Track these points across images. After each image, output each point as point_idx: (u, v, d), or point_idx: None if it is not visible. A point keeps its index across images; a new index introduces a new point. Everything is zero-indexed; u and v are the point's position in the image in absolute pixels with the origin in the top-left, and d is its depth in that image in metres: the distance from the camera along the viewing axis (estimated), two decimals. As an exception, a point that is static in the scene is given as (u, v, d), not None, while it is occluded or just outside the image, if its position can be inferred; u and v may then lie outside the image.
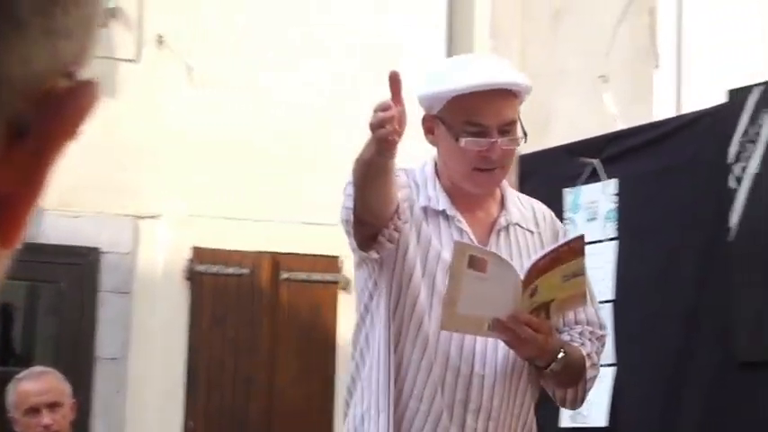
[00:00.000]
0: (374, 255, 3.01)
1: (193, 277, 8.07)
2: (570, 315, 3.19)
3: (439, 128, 3.10)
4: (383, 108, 2.77)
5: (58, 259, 7.73)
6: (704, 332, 4.51)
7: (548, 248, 3.07)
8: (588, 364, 3.15)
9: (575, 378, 3.14)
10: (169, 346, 7.95)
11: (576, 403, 3.24)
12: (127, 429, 7.89)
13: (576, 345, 3.15)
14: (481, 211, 3.19)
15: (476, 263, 2.93)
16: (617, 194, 4.91)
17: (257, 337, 8.09)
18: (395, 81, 2.80)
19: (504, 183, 3.25)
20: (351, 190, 2.96)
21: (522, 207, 3.24)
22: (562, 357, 3.05)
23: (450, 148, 3.09)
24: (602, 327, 3.25)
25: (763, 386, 4.28)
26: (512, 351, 3.06)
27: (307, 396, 8.15)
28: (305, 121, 8.24)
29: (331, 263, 8.26)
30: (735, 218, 4.39)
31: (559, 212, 4.61)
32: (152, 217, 8.04)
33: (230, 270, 8.14)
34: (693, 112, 4.94)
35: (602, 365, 3.34)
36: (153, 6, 8.14)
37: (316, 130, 8.23)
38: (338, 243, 7.92)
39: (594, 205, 4.97)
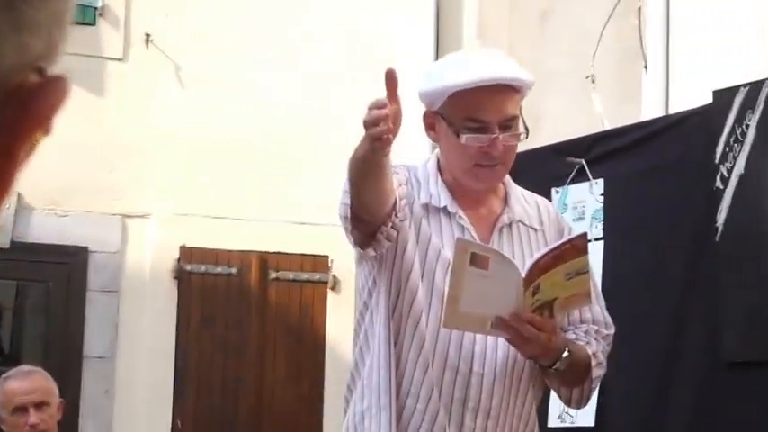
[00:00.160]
0: (371, 252, 3.00)
1: (182, 277, 8.07)
2: (576, 314, 3.17)
3: (440, 124, 3.07)
4: (378, 106, 2.73)
5: (47, 258, 7.72)
6: (692, 332, 4.51)
7: (550, 246, 3.04)
8: (594, 363, 3.12)
9: (580, 377, 3.11)
10: (157, 345, 7.95)
11: (582, 402, 3.21)
12: (115, 428, 7.88)
13: (581, 344, 3.12)
14: (484, 207, 3.16)
15: (477, 260, 2.90)
16: (603, 194, 4.91)
17: (246, 336, 8.09)
18: (391, 79, 2.76)
19: (508, 179, 3.21)
20: (347, 186, 2.94)
21: (526, 204, 3.21)
22: (566, 356, 3.02)
23: (451, 145, 3.07)
24: (608, 326, 3.22)
25: (752, 386, 4.29)
26: (512, 350, 3.03)
27: (296, 396, 8.15)
28: (293, 121, 8.24)
29: (320, 262, 8.27)
30: (721, 218, 4.40)
31: (547, 212, 4.61)
32: (140, 216, 8.04)
33: (219, 269, 8.14)
34: (680, 113, 4.95)
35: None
36: (141, 5, 8.14)
37: (303, 131, 8.24)
38: (327, 242, 7.99)
39: (582, 205, 4.97)
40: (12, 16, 0.61)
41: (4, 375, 4.73)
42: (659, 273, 4.68)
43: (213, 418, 8.01)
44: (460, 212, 3.11)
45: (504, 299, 2.94)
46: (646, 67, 6.29)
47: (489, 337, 3.04)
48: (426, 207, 3.10)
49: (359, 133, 2.80)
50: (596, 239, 4.90)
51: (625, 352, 4.78)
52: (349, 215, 2.93)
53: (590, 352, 3.12)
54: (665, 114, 5.69)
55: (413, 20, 8.49)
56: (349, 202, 2.92)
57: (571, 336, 3.15)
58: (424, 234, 3.07)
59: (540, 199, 3.32)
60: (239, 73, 8.19)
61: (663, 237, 4.68)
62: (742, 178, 4.35)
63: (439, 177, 3.14)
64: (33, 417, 4.56)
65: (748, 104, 4.35)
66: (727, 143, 4.40)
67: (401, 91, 2.80)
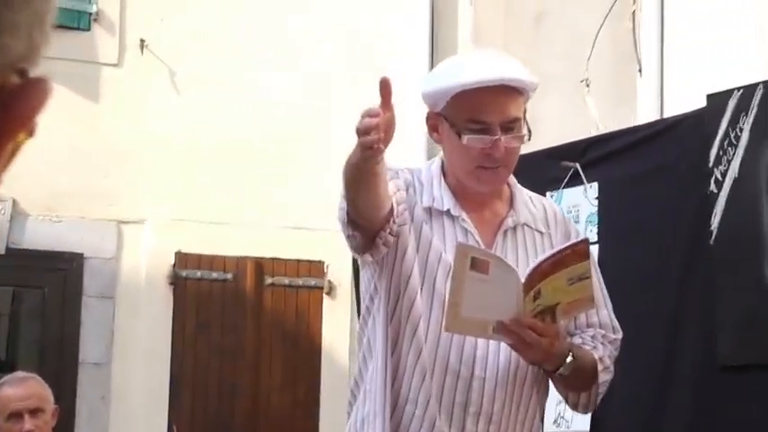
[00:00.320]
0: (369, 258, 2.99)
1: (177, 282, 8.07)
2: (582, 318, 3.14)
3: (443, 125, 3.05)
4: (370, 114, 2.72)
5: (42, 264, 7.72)
6: (689, 335, 4.51)
7: (550, 252, 3.02)
8: (600, 368, 3.10)
9: (587, 382, 3.09)
10: (153, 351, 7.95)
11: (590, 407, 3.19)
12: (111, 435, 7.88)
13: (587, 348, 3.10)
14: (488, 210, 3.13)
15: (478, 265, 2.88)
16: (598, 198, 4.91)
17: (241, 342, 8.09)
18: (385, 86, 2.74)
19: (514, 181, 3.18)
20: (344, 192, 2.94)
21: (532, 207, 3.18)
22: (571, 362, 3.00)
23: (453, 146, 3.05)
24: (615, 330, 3.19)
25: (751, 387, 4.29)
26: (514, 355, 3.01)
27: (292, 401, 8.14)
28: (289, 127, 8.24)
29: (315, 268, 8.27)
30: (716, 221, 4.40)
31: (542, 216, 4.61)
32: (136, 222, 8.04)
33: (214, 275, 8.14)
34: (674, 116, 4.96)
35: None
36: (135, 11, 8.14)
37: (299, 136, 8.24)
38: (323, 248, 8.00)
39: (576, 209, 4.98)
40: None
41: (-1, 382, 4.73)
42: (654, 276, 4.68)
43: (209, 424, 8.00)
44: (464, 215, 3.09)
45: (504, 304, 2.92)
46: (640, 71, 6.30)
47: (491, 341, 3.02)
48: (429, 210, 3.08)
49: (356, 138, 2.80)
50: (591, 243, 4.90)
51: (622, 355, 4.78)
52: (346, 220, 2.93)
53: (596, 357, 3.10)
54: (659, 118, 5.69)
55: (410, 21, 8.49)
56: (346, 207, 2.92)
57: (577, 340, 3.12)
58: (424, 238, 3.05)
59: (548, 202, 3.30)
60: (235, 78, 8.19)
61: (658, 240, 4.69)
62: (736, 182, 4.35)
63: (442, 180, 3.11)
64: (28, 423, 4.56)
65: (742, 108, 4.36)
66: (721, 146, 4.40)
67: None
